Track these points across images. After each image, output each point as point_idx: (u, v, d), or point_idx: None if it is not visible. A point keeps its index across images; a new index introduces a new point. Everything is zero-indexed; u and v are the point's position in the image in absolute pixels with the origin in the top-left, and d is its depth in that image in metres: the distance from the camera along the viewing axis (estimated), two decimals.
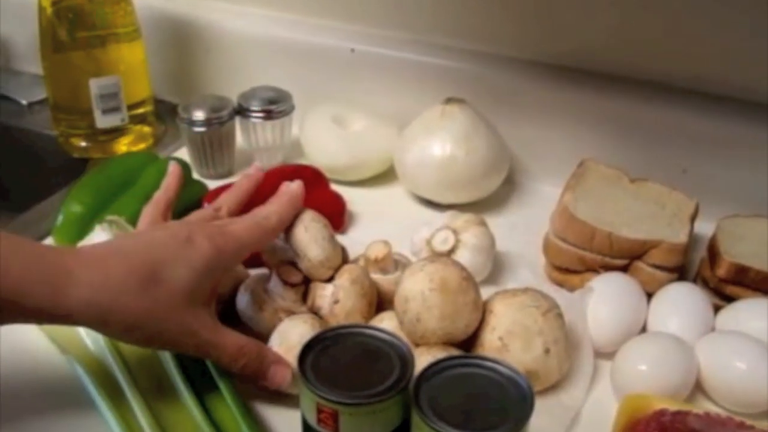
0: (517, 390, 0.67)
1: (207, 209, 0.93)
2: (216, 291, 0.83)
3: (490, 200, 1.16)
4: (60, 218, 1.05)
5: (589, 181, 1.04)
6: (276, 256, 0.91)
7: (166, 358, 0.85)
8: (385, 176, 1.22)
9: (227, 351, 0.79)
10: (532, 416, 0.65)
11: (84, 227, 1.02)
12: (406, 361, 0.68)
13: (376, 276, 0.91)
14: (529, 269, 1.03)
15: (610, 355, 0.89)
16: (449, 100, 1.13)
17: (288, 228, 0.89)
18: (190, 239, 0.78)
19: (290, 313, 0.87)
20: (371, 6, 1.27)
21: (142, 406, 0.80)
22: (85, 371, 0.84)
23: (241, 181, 0.98)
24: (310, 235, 0.88)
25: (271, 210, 0.87)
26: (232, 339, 0.80)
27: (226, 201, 0.94)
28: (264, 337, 0.87)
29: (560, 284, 1.00)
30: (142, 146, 1.31)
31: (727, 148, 1.08)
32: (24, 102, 1.47)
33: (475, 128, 1.11)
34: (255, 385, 0.82)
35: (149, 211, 0.91)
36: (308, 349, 0.70)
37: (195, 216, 0.90)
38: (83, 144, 1.29)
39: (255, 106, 1.20)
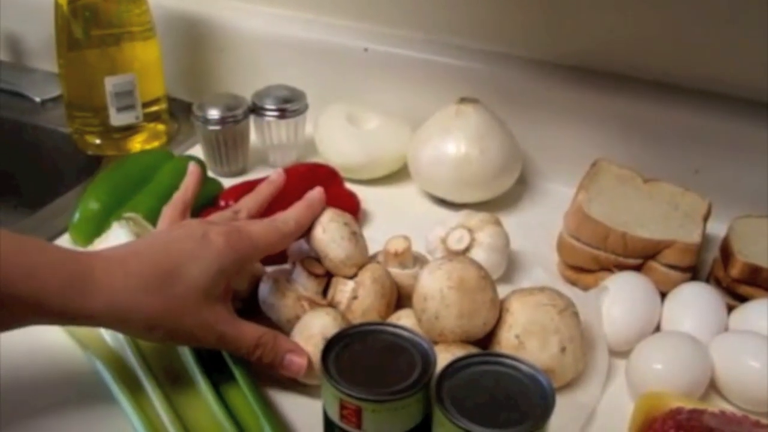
0: (537, 387, 0.67)
1: (227, 211, 0.94)
2: (230, 287, 0.84)
3: (503, 199, 1.17)
4: (77, 215, 1.06)
5: (602, 181, 1.05)
6: (301, 256, 0.92)
7: (184, 351, 0.85)
8: (398, 175, 1.22)
9: (245, 342, 0.82)
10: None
11: (100, 224, 1.03)
12: (428, 359, 0.69)
13: (395, 270, 0.92)
14: (543, 268, 1.04)
15: (624, 354, 0.90)
16: (463, 100, 1.14)
17: (307, 230, 0.90)
18: (206, 236, 0.80)
19: (312, 302, 0.88)
20: (385, 5, 1.28)
21: (161, 399, 0.81)
22: (105, 366, 0.85)
23: (263, 185, 0.99)
24: (328, 236, 0.89)
25: (290, 215, 0.89)
26: (249, 330, 0.83)
27: (246, 204, 0.95)
28: (284, 326, 0.89)
29: (574, 283, 1.01)
30: (155, 144, 1.32)
31: (740, 148, 1.09)
32: (38, 99, 1.48)
33: (489, 128, 1.12)
34: (273, 373, 0.84)
35: (168, 212, 0.93)
36: (331, 345, 0.70)
37: (215, 216, 0.92)
38: (97, 141, 1.30)
39: (269, 104, 1.20)
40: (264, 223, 0.87)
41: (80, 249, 0.87)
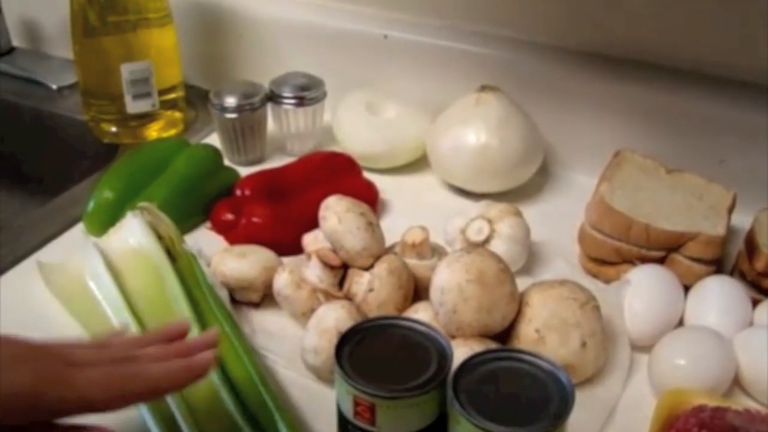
0: (556, 384, 0.66)
1: (92, 345, 0.74)
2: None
3: (524, 190, 1.15)
4: (91, 204, 1.05)
5: (625, 172, 1.03)
6: (317, 245, 0.90)
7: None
8: (417, 164, 1.21)
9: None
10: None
11: (115, 213, 1.02)
12: (445, 354, 0.68)
13: (412, 261, 0.91)
14: (564, 260, 1.02)
15: (646, 349, 0.88)
16: (484, 88, 1.12)
17: (322, 220, 0.89)
18: (13, 361, 0.62)
19: (327, 295, 0.87)
20: None
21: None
22: None
23: (149, 333, 0.80)
24: (344, 227, 0.88)
25: (143, 371, 0.67)
26: None
27: (119, 342, 0.75)
28: (299, 318, 0.88)
29: (595, 275, 0.99)
30: (172, 132, 1.30)
31: (765, 139, 1.06)
32: (54, 86, 1.47)
33: (510, 116, 1.10)
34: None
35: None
36: (345, 340, 0.69)
37: (76, 346, 0.71)
38: (113, 129, 1.29)
39: (287, 92, 1.19)
40: (106, 373, 0.65)
41: None
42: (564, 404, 0.64)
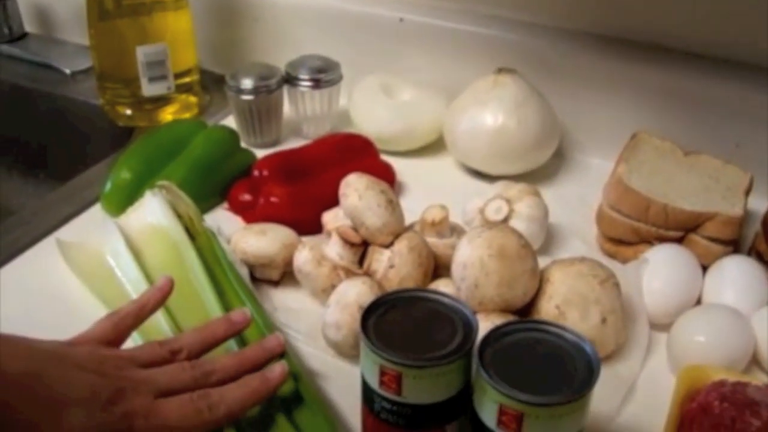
0: (582, 355, 0.66)
1: (163, 350, 0.75)
2: None
3: (540, 172, 1.15)
4: (109, 184, 1.05)
5: (642, 153, 1.03)
6: (337, 222, 0.90)
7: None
8: (434, 147, 1.21)
9: None
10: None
11: (132, 194, 1.02)
12: (470, 325, 0.68)
13: (432, 240, 0.91)
14: (581, 240, 1.03)
15: (664, 327, 0.88)
16: (501, 70, 1.12)
17: (342, 197, 0.89)
18: (111, 403, 0.66)
19: (348, 272, 0.87)
20: None
21: None
22: (140, 336, 0.83)
23: (216, 323, 0.81)
24: (364, 204, 0.88)
25: (224, 398, 0.71)
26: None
27: (188, 343, 0.77)
28: (319, 295, 0.89)
29: (613, 256, 0.99)
30: (187, 116, 1.31)
31: None
32: (68, 71, 1.47)
33: (527, 99, 1.10)
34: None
35: (104, 325, 0.77)
36: (370, 311, 0.69)
37: (146, 354, 0.75)
38: (128, 112, 1.29)
39: (303, 74, 1.19)
40: (185, 404, 0.69)
41: None
42: (590, 374, 0.64)
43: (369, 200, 0.88)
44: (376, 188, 0.89)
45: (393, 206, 0.89)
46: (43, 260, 0.99)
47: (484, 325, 0.75)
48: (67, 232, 1.04)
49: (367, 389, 0.69)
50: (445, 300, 0.70)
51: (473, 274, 0.80)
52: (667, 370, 0.86)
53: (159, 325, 0.84)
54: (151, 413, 0.67)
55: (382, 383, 0.66)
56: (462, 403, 0.68)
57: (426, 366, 0.65)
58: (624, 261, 0.97)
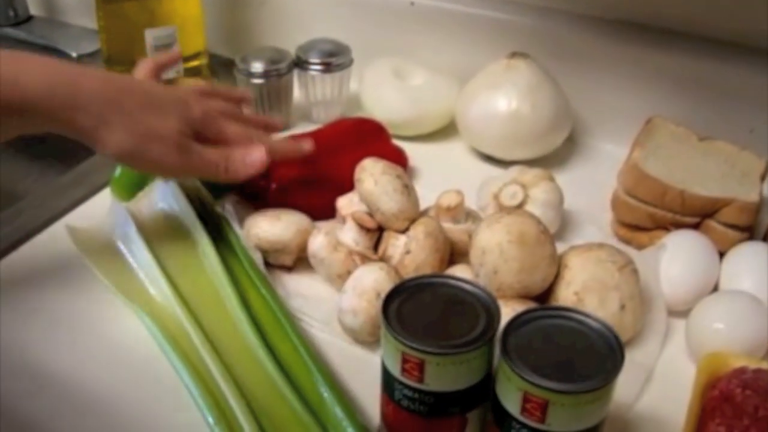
0: (606, 343, 0.65)
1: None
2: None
3: (552, 158, 1.14)
4: (118, 170, 1.04)
5: (657, 139, 1.02)
6: (351, 208, 0.90)
7: (234, 305, 0.84)
8: (445, 131, 1.20)
9: (211, 160, 0.89)
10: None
11: (142, 179, 1.01)
12: (492, 312, 0.67)
13: (447, 225, 0.90)
14: (595, 226, 1.02)
15: (681, 314, 0.88)
16: (514, 54, 1.11)
17: (357, 182, 0.88)
18: (187, 103, 0.89)
19: (363, 257, 0.86)
20: None
21: (211, 353, 0.79)
22: (152, 321, 0.83)
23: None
24: (380, 189, 0.87)
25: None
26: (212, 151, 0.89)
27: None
28: (334, 281, 0.88)
29: (628, 242, 0.99)
30: None
31: None
32: (74, 54, 1.46)
33: (540, 83, 1.09)
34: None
35: (145, 66, 0.97)
36: (391, 298, 0.68)
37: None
38: None
39: (314, 58, 1.18)
40: (211, 155, 0.89)
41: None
42: (615, 362, 0.64)
43: (385, 185, 0.87)
44: (392, 173, 0.89)
45: (408, 191, 0.89)
46: (52, 245, 0.98)
47: (504, 311, 0.74)
48: (77, 216, 1.03)
49: (387, 377, 0.68)
50: (467, 286, 0.70)
51: (492, 260, 0.80)
52: (685, 357, 0.85)
53: (174, 312, 0.84)
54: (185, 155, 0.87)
55: (404, 371, 0.65)
56: (484, 391, 0.67)
57: (450, 353, 0.64)
58: (639, 247, 0.97)
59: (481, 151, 1.15)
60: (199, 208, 0.95)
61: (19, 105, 0.77)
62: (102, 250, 0.94)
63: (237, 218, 0.96)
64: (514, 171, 0.99)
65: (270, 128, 1.02)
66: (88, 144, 0.83)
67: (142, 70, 0.96)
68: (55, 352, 0.84)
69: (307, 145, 0.98)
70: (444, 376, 0.65)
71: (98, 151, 0.84)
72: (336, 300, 0.85)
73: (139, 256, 0.91)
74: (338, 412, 0.74)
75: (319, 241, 0.88)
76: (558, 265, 0.83)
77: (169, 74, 1.25)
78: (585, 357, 0.64)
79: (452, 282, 0.70)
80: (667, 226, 0.95)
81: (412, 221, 0.88)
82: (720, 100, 1.09)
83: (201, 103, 0.90)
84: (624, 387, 0.77)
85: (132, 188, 1.01)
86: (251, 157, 0.90)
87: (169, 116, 0.85)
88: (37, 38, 1.50)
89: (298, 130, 1.15)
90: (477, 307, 0.68)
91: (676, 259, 0.90)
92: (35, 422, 0.78)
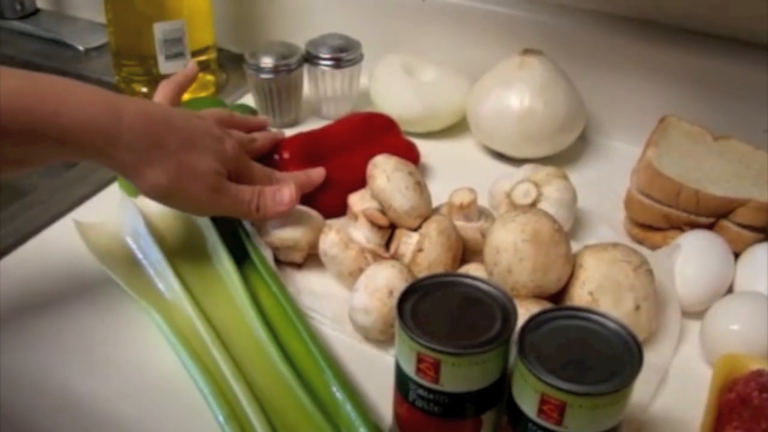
0: (624, 345, 0.64)
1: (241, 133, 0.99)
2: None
3: (564, 156, 1.13)
4: None
5: (672, 137, 1.01)
6: (363, 205, 0.89)
7: (246, 305, 0.83)
8: (456, 128, 1.19)
9: (244, 197, 0.88)
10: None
11: None
12: (508, 312, 0.66)
13: (460, 223, 0.89)
14: (608, 225, 1.01)
15: (695, 315, 0.87)
16: (527, 51, 1.10)
17: (370, 179, 0.88)
18: (221, 140, 0.88)
19: (375, 255, 0.85)
20: None
21: (222, 352, 0.78)
22: (163, 319, 0.82)
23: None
24: (393, 186, 0.87)
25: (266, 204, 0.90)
26: (245, 189, 0.89)
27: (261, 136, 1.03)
28: (346, 279, 0.87)
29: (641, 241, 0.98)
30: (203, 95, 1.29)
31: None
32: (81, 48, 1.45)
33: (554, 80, 1.08)
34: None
35: (166, 89, 0.97)
36: (406, 297, 0.67)
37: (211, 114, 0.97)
38: (144, 90, 1.27)
39: (324, 53, 1.17)
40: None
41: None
42: (632, 363, 0.63)
43: (397, 182, 0.86)
44: (404, 170, 0.88)
45: (421, 188, 0.88)
46: (60, 240, 0.97)
47: (519, 311, 0.73)
48: (84, 212, 1.03)
49: (401, 376, 0.67)
50: (483, 285, 0.69)
51: (506, 259, 0.79)
52: (699, 358, 0.84)
53: (184, 309, 0.83)
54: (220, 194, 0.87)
55: (418, 371, 0.64)
56: (499, 392, 0.67)
57: (466, 353, 0.63)
58: (652, 247, 0.96)
59: (492, 149, 1.14)
60: None
61: (59, 136, 0.76)
62: (110, 246, 0.93)
63: None
64: (526, 169, 0.98)
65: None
66: (125, 178, 0.83)
67: (164, 94, 0.96)
68: (61, 347, 0.84)
69: (317, 177, 0.99)
70: (459, 376, 0.64)
71: (136, 187, 0.83)
72: (347, 298, 0.84)
73: (148, 252, 0.91)
74: (350, 410, 0.74)
75: (330, 238, 0.87)
76: (572, 264, 0.82)
77: (178, 69, 1.24)
78: (602, 358, 0.63)
79: (468, 281, 0.69)
80: (681, 226, 0.94)
81: (425, 219, 0.87)
82: (735, 99, 1.08)
83: (231, 139, 0.90)
84: (639, 388, 0.76)
85: None
86: (281, 195, 0.90)
87: (206, 155, 0.85)
88: (44, 32, 1.50)
89: (308, 126, 1.14)
90: (493, 307, 0.67)
91: (691, 259, 0.89)
92: (35, 422, 0.77)
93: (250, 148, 0.97)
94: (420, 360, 0.64)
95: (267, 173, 0.94)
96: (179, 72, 1.01)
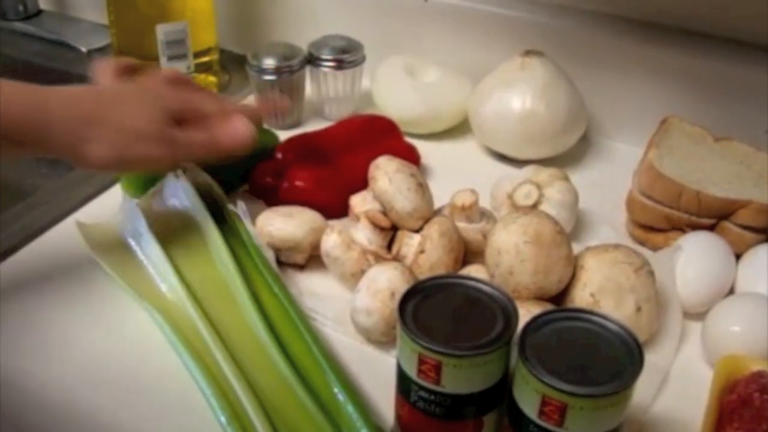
0: (625, 346, 0.65)
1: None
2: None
3: (566, 157, 1.13)
4: None
5: (673, 139, 1.01)
6: (365, 206, 0.89)
7: (247, 304, 0.83)
8: (457, 130, 1.19)
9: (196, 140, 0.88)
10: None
11: (153, 175, 1.00)
12: (509, 313, 0.66)
13: (462, 224, 0.90)
14: (610, 226, 1.01)
15: (696, 316, 0.87)
16: (529, 53, 1.10)
17: (371, 180, 0.88)
18: (156, 89, 0.89)
19: (377, 256, 0.86)
20: None
21: (223, 353, 0.79)
22: (164, 319, 0.82)
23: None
24: (394, 187, 0.87)
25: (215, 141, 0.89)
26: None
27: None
28: (348, 280, 0.87)
29: (642, 243, 0.98)
30: None
31: None
32: (84, 49, 1.45)
33: (555, 82, 1.08)
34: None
35: (107, 68, 0.94)
36: (407, 298, 0.67)
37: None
38: None
39: (326, 55, 1.17)
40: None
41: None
42: (633, 365, 0.63)
43: (399, 184, 0.87)
44: (406, 171, 0.88)
45: (423, 190, 0.88)
46: (62, 241, 0.97)
47: (520, 312, 0.73)
48: (86, 213, 1.03)
49: (403, 378, 0.67)
50: (484, 287, 0.69)
51: (508, 261, 0.79)
52: (700, 359, 0.84)
53: (185, 310, 0.83)
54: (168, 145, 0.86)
55: (420, 372, 0.65)
56: (500, 393, 0.67)
57: (468, 355, 0.63)
58: (654, 248, 0.96)
59: (494, 150, 1.14)
60: (211, 204, 0.94)
61: None
62: (112, 247, 0.93)
63: (249, 215, 0.95)
64: (528, 170, 0.98)
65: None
66: (75, 164, 0.83)
67: (103, 73, 0.94)
68: (63, 347, 0.84)
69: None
70: (461, 378, 0.64)
71: (86, 168, 0.83)
72: (349, 299, 0.84)
73: (149, 253, 0.91)
74: (351, 412, 0.74)
75: (332, 239, 0.87)
76: (574, 266, 0.82)
77: (180, 69, 1.24)
78: (604, 360, 0.64)
79: (469, 282, 0.70)
80: (682, 228, 0.94)
81: (426, 220, 0.88)
82: (736, 100, 1.08)
83: (172, 90, 0.90)
84: (640, 389, 0.76)
85: (143, 184, 1.00)
86: (236, 130, 0.89)
87: (143, 110, 0.84)
88: (46, 33, 1.50)
89: (310, 127, 1.14)
90: (494, 308, 0.67)
91: (692, 261, 0.89)
92: (37, 423, 0.78)
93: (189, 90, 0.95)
94: (421, 361, 0.64)
95: (219, 106, 0.93)
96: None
